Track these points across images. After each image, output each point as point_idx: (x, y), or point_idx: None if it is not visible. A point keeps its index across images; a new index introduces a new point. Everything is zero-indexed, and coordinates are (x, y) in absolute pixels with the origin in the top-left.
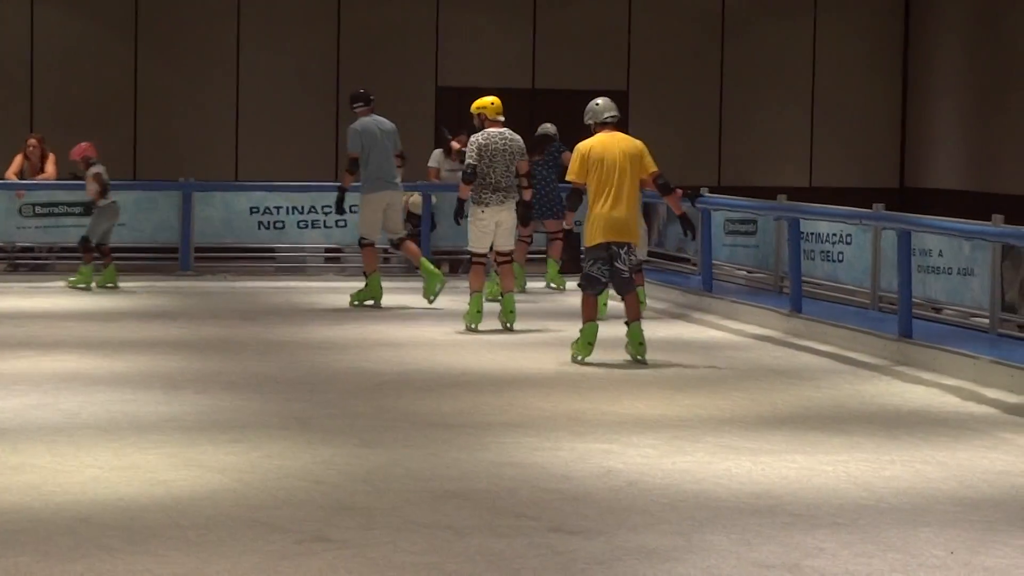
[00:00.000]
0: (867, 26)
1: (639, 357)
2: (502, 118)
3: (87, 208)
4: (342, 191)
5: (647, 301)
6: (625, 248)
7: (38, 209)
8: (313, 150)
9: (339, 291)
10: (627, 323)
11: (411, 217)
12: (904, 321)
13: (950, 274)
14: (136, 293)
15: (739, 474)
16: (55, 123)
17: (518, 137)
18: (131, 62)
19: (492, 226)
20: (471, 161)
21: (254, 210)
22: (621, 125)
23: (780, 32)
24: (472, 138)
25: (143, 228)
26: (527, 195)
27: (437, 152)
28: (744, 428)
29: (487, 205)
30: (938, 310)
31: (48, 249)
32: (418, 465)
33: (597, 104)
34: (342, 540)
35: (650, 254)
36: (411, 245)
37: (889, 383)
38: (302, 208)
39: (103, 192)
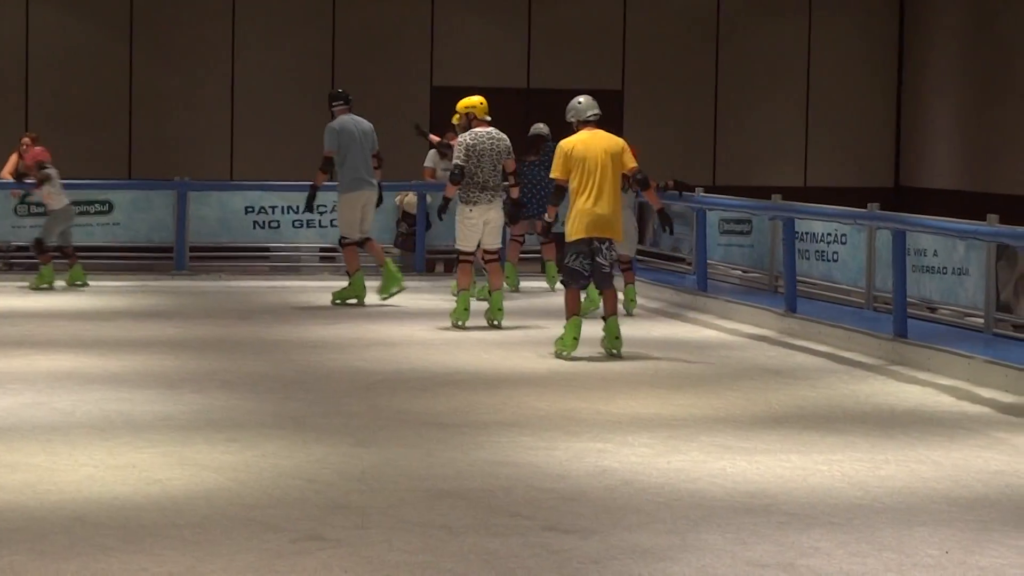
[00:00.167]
0: (862, 25)
1: (615, 351)
2: (489, 117)
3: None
4: (314, 189)
5: (637, 299)
6: (606, 244)
7: (33, 209)
8: (308, 150)
9: (334, 291)
10: (604, 318)
11: (406, 216)
12: (899, 321)
13: (945, 274)
14: (131, 292)
15: (734, 473)
16: (51, 123)
17: (504, 136)
18: (126, 62)
19: (480, 225)
20: (458, 161)
21: (249, 210)
22: (616, 125)
23: (775, 32)
24: (459, 138)
25: (138, 227)
26: (514, 193)
27: (432, 152)
28: (739, 427)
29: (475, 204)
30: (933, 310)
31: None
32: (413, 464)
33: (580, 102)
34: (337, 539)
35: (646, 253)
36: (375, 245)
37: (884, 383)
38: (297, 208)
39: (40, 184)
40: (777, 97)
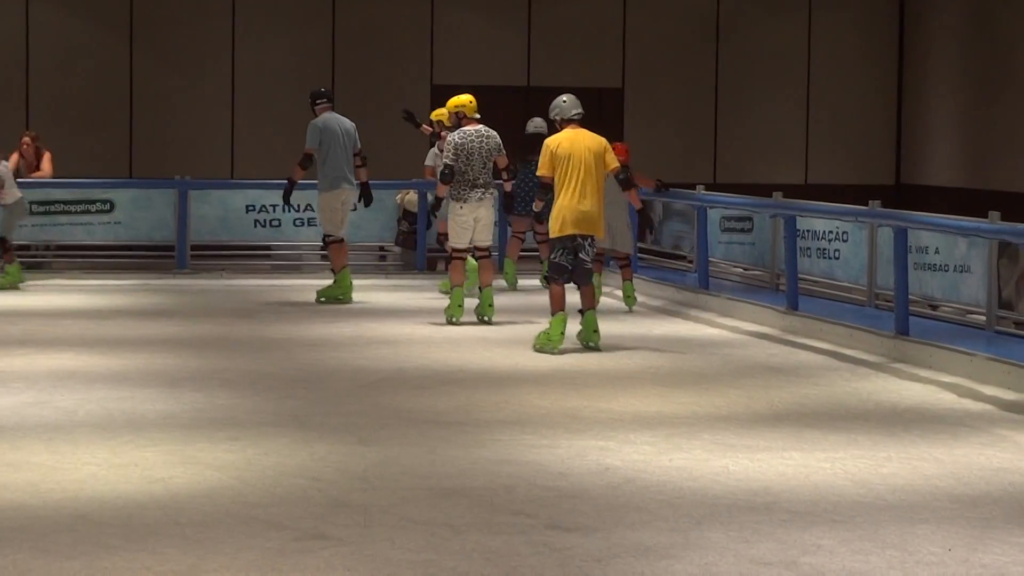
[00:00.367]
0: (862, 22)
1: (591, 343)
2: (478, 115)
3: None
4: (291, 183)
5: (636, 296)
6: (589, 240)
7: (34, 207)
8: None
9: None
10: (581, 312)
11: (407, 215)
12: (901, 318)
13: (946, 271)
14: (132, 291)
15: (736, 471)
16: (51, 122)
17: (494, 133)
18: (127, 61)
19: (471, 222)
20: (448, 161)
21: (250, 208)
22: (617, 123)
23: (775, 29)
24: (449, 137)
25: (139, 226)
26: (508, 187)
27: (433, 151)
28: (741, 425)
29: (466, 201)
30: (935, 307)
31: (45, 247)
32: (415, 462)
33: (564, 101)
34: (339, 537)
35: (647, 251)
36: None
37: (886, 380)
38: (298, 206)
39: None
40: (778, 95)
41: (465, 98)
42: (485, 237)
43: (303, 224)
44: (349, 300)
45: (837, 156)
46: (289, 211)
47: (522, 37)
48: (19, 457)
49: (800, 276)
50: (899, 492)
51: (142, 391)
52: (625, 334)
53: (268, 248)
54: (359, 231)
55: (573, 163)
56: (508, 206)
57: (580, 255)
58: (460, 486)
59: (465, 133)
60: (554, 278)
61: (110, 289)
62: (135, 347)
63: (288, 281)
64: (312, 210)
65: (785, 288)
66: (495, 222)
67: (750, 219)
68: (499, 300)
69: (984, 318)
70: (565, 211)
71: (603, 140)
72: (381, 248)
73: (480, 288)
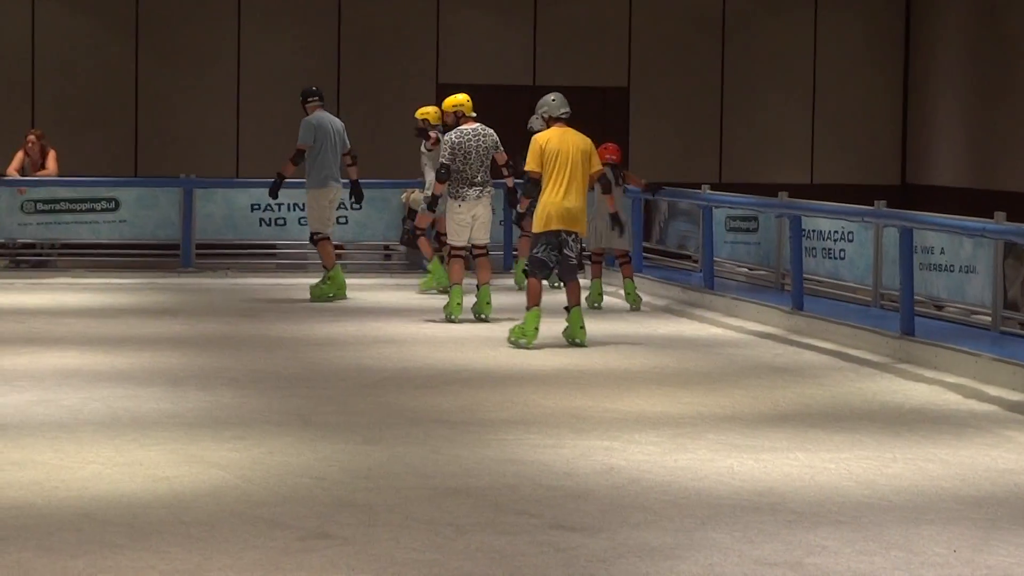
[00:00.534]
0: (868, 21)
1: (578, 340)
2: (474, 114)
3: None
4: (280, 179)
5: (639, 295)
6: (573, 236)
7: (40, 206)
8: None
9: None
10: (567, 308)
11: (411, 214)
12: (906, 318)
13: (952, 271)
14: (137, 290)
15: (741, 472)
16: (57, 120)
17: (491, 131)
18: (132, 60)
19: (469, 219)
20: (444, 160)
21: (255, 207)
22: (622, 122)
23: (781, 28)
24: (445, 137)
25: (144, 225)
26: (510, 183)
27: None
28: (746, 425)
29: (463, 200)
30: (940, 307)
31: (50, 245)
32: (419, 462)
33: (553, 100)
34: (344, 537)
35: (652, 251)
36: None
37: (891, 381)
38: (303, 205)
39: None
40: (783, 94)
41: (462, 97)
42: (483, 235)
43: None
44: (344, 296)
45: (842, 156)
46: (293, 209)
47: (528, 36)
48: (24, 455)
49: (805, 276)
50: (904, 493)
51: (147, 390)
52: (630, 334)
53: (273, 247)
54: (364, 230)
55: (561, 160)
56: (513, 201)
57: (565, 251)
58: (465, 485)
59: (462, 132)
60: (534, 273)
61: (115, 288)
62: (140, 346)
63: (293, 280)
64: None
65: (790, 288)
66: (502, 220)
67: (755, 219)
68: (503, 299)
69: (990, 318)
70: (551, 207)
71: (589, 140)
72: (386, 247)
73: (478, 286)
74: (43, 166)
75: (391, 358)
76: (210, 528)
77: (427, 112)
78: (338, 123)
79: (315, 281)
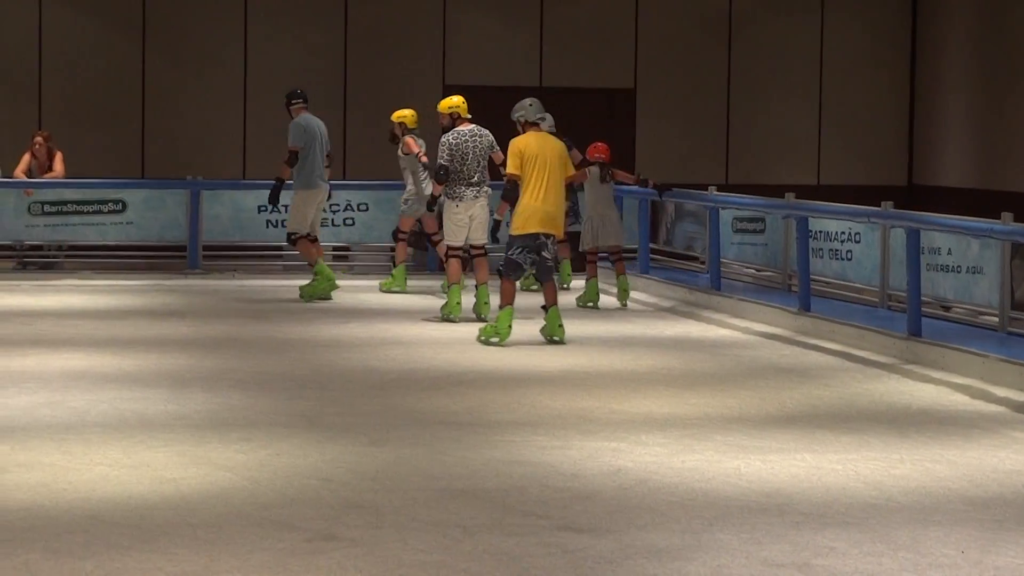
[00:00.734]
0: (874, 23)
1: (556, 338)
2: (470, 116)
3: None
4: (280, 183)
5: (630, 291)
6: (551, 239)
7: (46, 207)
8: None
9: (347, 290)
10: (544, 308)
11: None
12: (913, 319)
13: (959, 272)
14: (144, 291)
15: (748, 473)
16: (63, 122)
17: (487, 132)
18: (139, 60)
19: (467, 220)
20: (442, 161)
21: (262, 208)
22: (629, 123)
23: (787, 29)
24: (443, 138)
25: (151, 226)
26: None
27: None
28: (753, 427)
29: (461, 200)
30: (947, 308)
31: (57, 247)
32: (427, 463)
33: (530, 105)
34: (351, 538)
35: (659, 252)
36: (317, 246)
37: (898, 382)
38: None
39: None
40: (790, 95)
41: (457, 99)
42: (480, 235)
43: None
44: (335, 287)
45: (849, 157)
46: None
47: (534, 37)
48: (31, 457)
49: (812, 277)
50: (911, 494)
51: (154, 391)
52: (637, 335)
53: (280, 249)
54: (371, 231)
55: (540, 164)
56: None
57: (543, 253)
58: (472, 487)
59: (459, 133)
60: (508, 274)
61: (122, 289)
62: (147, 347)
63: (300, 281)
64: (325, 210)
65: (797, 289)
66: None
67: (762, 220)
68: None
69: (997, 319)
70: (531, 210)
71: (563, 145)
72: (392, 248)
73: (476, 286)
74: (50, 168)
75: (397, 359)
76: (217, 530)
77: (404, 115)
78: (322, 125)
79: (305, 282)
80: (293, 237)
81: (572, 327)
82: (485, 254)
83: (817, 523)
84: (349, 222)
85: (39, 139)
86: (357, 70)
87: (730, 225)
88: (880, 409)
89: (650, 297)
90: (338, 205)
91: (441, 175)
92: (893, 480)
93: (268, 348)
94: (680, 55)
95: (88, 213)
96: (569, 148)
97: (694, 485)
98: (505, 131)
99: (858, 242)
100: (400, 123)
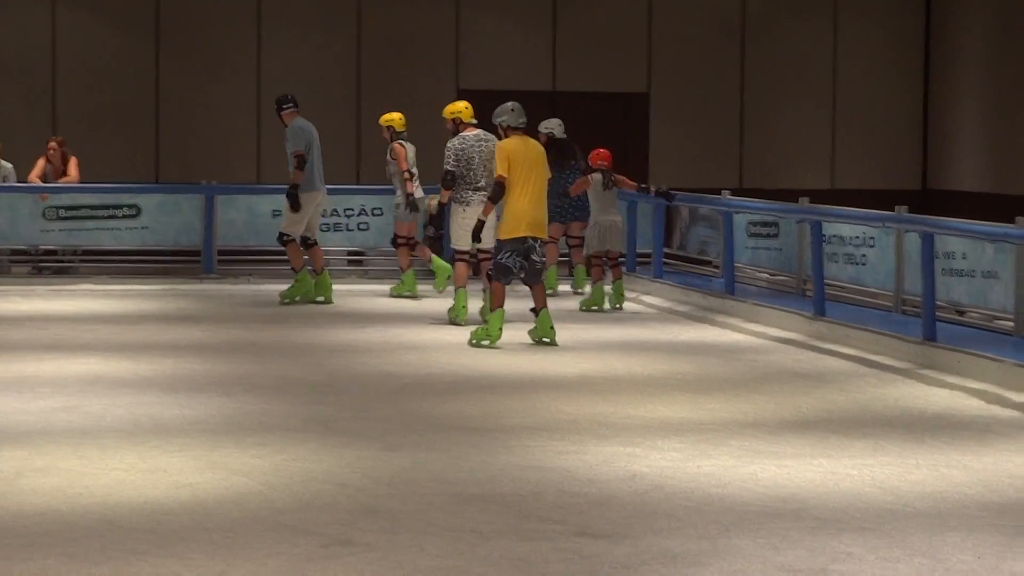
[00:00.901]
0: (888, 27)
1: (547, 339)
2: (475, 121)
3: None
4: (296, 188)
5: (626, 293)
6: (539, 242)
7: (61, 212)
8: (334, 153)
9: (362, 294)
10: (534, 311)
11: (433, 220)
12: (928, 324)
13: (973, 277)
14: (159, 296)
15: (764, 478)
16: (78, 127)
17: (493, 137)
18: (153, 66)
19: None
20: (449, 167)
21: (276, 213)
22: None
23: (801, 34)
24: (448, 144)
25: (165, 231)
26: None
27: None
28: (768, 432)
29: (468, 204)
30: (962, 313)
31: (72, 252)
32: (442, 468)
33: (512, 110)
34: (367, 543)
35: (673, 256)
36: (318, 250)
37: (913, 386)
38: (324, 211)
39: None
40: (804, 99)
41: (460, 105)
42: (487, 240)
43: (329, 229)
44: (312, 299)
45: (863, 161)
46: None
47: (548, 42)
48: (47, 462)
49: (827, 281)
50: (927, 499)
51: (169, 396)
52: (651, 340)
53: None
54: (385, 236)
55: (526, 168)
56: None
57: (533, 257)
58: (488, 492)
59: (464, 138)
60: (498, 278)
61: (137, 294)
62: (162, 352)
63: None
64: (339, 215)
65: (812, 294)
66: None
67: (776, 224)
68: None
69: (1012, 324)
70: (520, 214)
71: (543, 149)
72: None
73: (484, 290)
74: (65, 173)
75: (413, 364)
76: (233, 535)
77: (392, 119)
78: (314, 128)
79: (285, 287)
80: (285, 239)
81: (586, 333)
82: (492, 257)
83: (833, 528)
84: (363, 227)
85: (53, 144)
86: (371, 75)
87: (744, 229)
88: (895, 414)
89: (664, 302)
90: (352, 210)
91: (447, 180)
92: (909, 485)
93: (283, 353)
94: (694, 59)
95: (103, 218)
96: (575, 158)
97: (710, 490)
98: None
99: (872, 246)
100: (388, 127)
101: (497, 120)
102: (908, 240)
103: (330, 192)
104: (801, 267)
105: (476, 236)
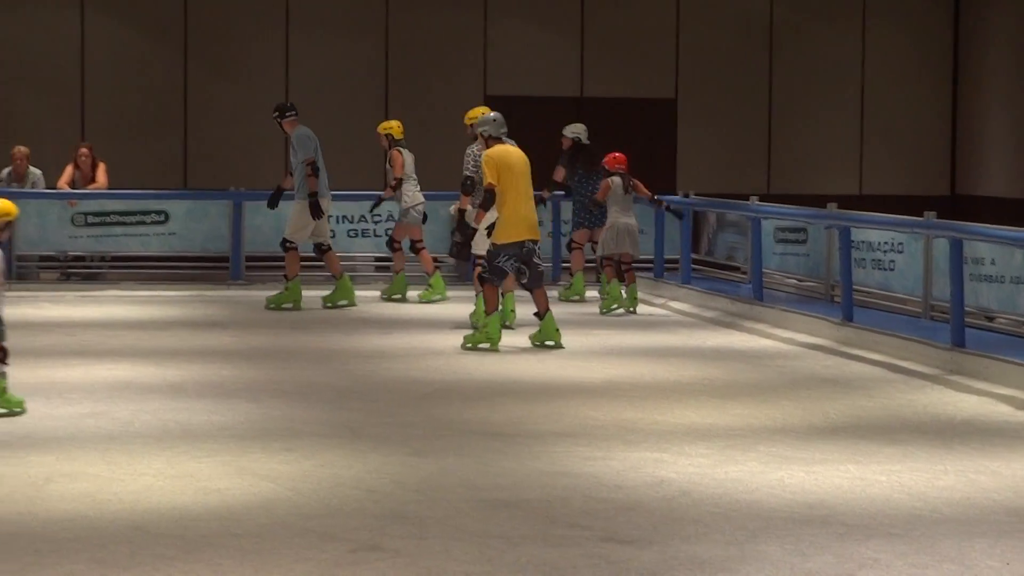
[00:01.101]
0: (916, 31)
1: (550, 343)
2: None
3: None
4: (314, 195)
5: (638, 296)
6: (537, 244)
7: (90, 218)
8: (362, 159)
9: (413, 300)
10: (538, 315)
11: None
12: (956, 330)
13: (1002, 282)
14: (187, 302)
15: (792, 484)
16: (106, 133)
17: (513, 143)
18: (181, 72)
19: None
20: (468, 173)
21: None
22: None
23: (829, 39)
24: (468, 149)
25: (193, 237)
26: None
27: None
28: (796, 437)
29: (488, 210)
30: (991, 319)
31: (100, 258)
32: (470, 474)
33: (493, 120)
34: (395, 549)
35: (701, 262)
36: (332, 256)
37: (942, 392)
38: (352, 217)
39: None
40: (832, 105)
41: (480, 111)
42: (481, 247)
43: (357, 235)
44: (300, 308)
45: (892, 166)
46: (342, 221)
47: (575, 47)
48: (76, 468)
49: (855, 287)
50: (956, 505)
51: (197, 402)
52: (679, 345)
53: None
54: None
55: (516, 173)
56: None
57: (535, 260)
58: (515, 498)
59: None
60: (492, 281)
61: (165, 300)
62: (190, 358)
63: None
64: (366, 220)
65: (840, 299)
66: (550, 232)
67: (804, 230)
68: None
69: None
70: (517, 218)
71: (525, 156)
72: (435, 259)
73: (503, 294)
74: (93, 179)
75: (440, 370)
76: (261, 540)
77: (390, 126)
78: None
79: (330, 292)
80: (288, 246)
81: (613, 338)
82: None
83: (861, 534)
84: (390, 232)
85: (85, 150)
86: (398, 81)
87: (772, 235)
88: (924, 420)
89: (692, 308)
90: (380, 215)
91: (467, 186)
92: (937, 491)
93: (310, 359)
94: (721, 65)
95: (131, 224)
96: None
97: (737, 496)
98: (545, 142)
99: (901, 252)
100: (387, 134)
101: (479, 130)
102: (936, 246)
103: (358, 198)
104: (829, 273)
105: (469, 239)
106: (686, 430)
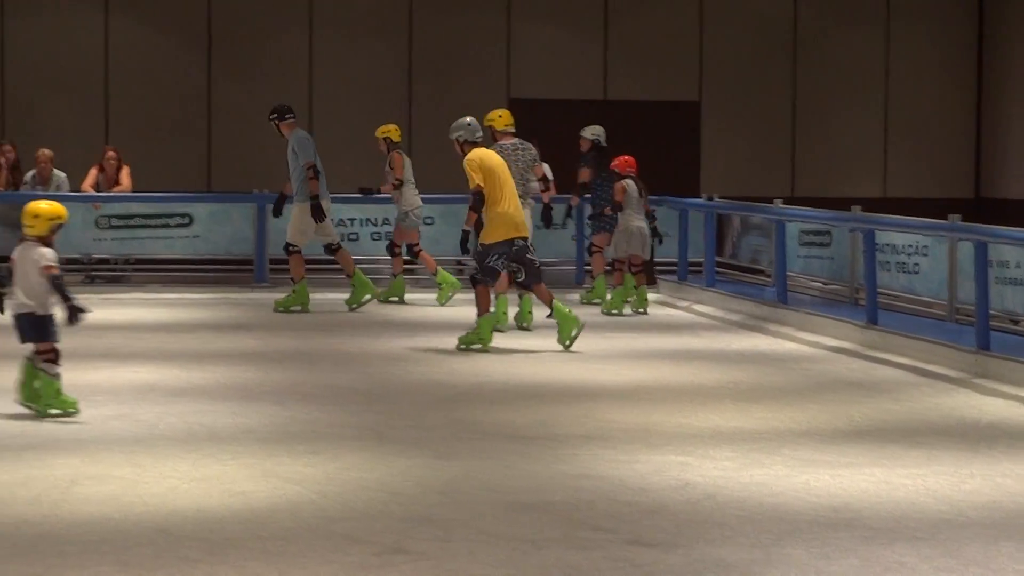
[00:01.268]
0: (941, 34)
1: (576, 332)
2: (512, 130)
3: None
4: (316, 198)
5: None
6: (527, 241)
7: (114, 221)
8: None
9: (413, 303)
10: (550, 315)
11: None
12: (982, 333)
13: None
14: (212, 305)
15: (817, 487)
16: (130, 136)
17: (530, 145)
18: (205, 74)
19: None
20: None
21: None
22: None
23: (852, 41)
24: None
25: (218, 240)
26: (546, 197)
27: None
28: (821, 441)
29: None
30: (1016, 322)
31: (124, 261)
32: (494, 477)
33: (469, 124)
34: (420, 552)
35: (725, 265)
36: (345, 253)
37: (967, 396)
38: (376, 220)
39: None
40: (855, 107)
41: (493, 114)
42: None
43: (380, 238)
44: (308, 311)
45: (916, 169)
46: (365, 224)
47: (599, 50)
48: (101, 470)
49: (879, 290)
50: (982, 509)
51: (222, 404)
52: (703, 349)
53: None
54: (437, 245)
55: (499, 174)
56: (547, 219)
57: (528, 256)
58: (540, 501)
59: (502, 147)
60: (486, 281)
61: (189, 303)
62: (215, 360)
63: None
64: (389, 223)
65: (864, 302)
66: (574, 236)
67: (829, 233)
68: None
69: None
70: (507, 218)
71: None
72: (458, 262)
73: (520, 296)
74: (118, 182)
75: (463, 373)
76: (286, 543)
77: (388, 130)
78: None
79: (281, 296)
80: (291, 249)
81: (637, 341)
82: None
83: (887, 538)
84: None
85: (112, 153)
86: (421, 84)
87: (796, 238)
88: (949, 423)
89: (716, 311)
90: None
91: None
92: (963, 495)
93: (335, 361)
94: (745, 67)
95: (155, 227)
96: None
97: (763, 499)
98: (569, 144)
99: (925, 255)
100: (385, 138)
101: (454, 135)
102: (961, 249)
103: (381, 201)
104: (854, 276)
105: (464, 247)
106: (711, 433)
